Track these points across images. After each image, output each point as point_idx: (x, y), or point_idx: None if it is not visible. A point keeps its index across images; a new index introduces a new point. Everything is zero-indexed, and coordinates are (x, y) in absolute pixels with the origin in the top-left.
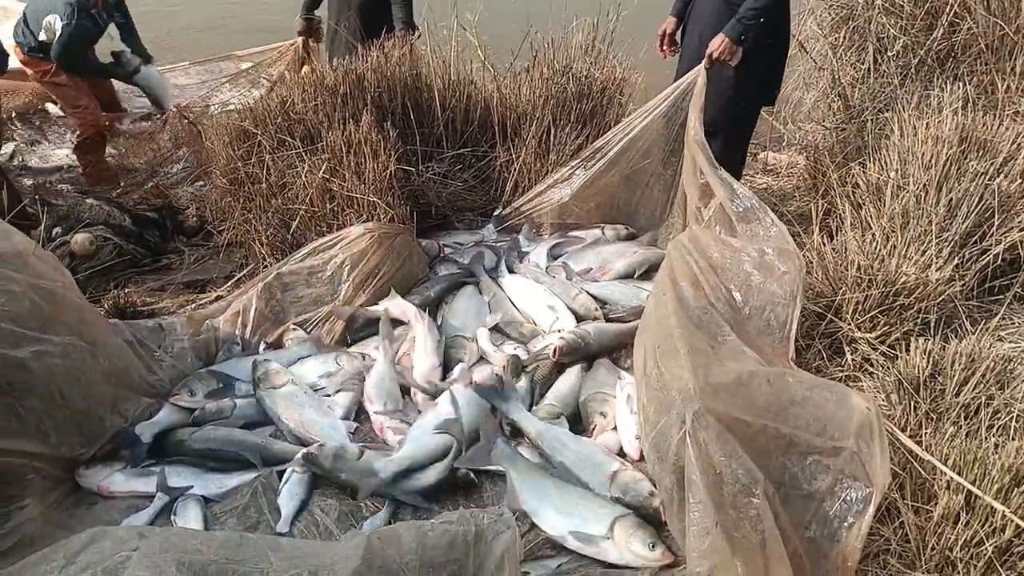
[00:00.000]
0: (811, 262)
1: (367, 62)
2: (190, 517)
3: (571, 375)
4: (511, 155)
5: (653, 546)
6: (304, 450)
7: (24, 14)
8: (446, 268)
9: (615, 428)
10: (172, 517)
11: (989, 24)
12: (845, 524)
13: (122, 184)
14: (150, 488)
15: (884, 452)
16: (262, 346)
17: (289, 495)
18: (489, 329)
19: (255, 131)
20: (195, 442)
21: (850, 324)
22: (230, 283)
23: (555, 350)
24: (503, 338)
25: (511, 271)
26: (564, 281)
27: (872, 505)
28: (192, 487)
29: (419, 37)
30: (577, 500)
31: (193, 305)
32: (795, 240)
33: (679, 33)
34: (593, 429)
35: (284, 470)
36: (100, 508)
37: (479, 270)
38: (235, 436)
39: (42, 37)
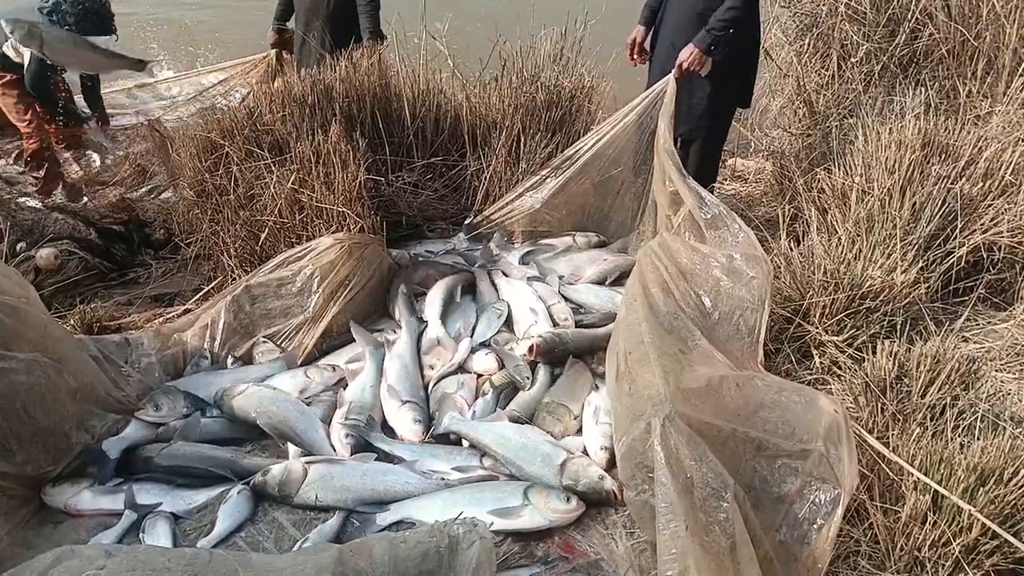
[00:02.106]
0: (779, 267)
1: (335, 72)
2: (159, 534)
3: (538, 386)
4: (481, 164)
5: (568, 499)
6: (252, 480)
7: None
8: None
9: (579, 431)
10: (140, 535)
11: (950, 30)
12: (814, 526)
13: (86, 197)
14: (118, 505)
15: (852, 454)
16: (231, 359)
17: (227, 513)
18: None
19: (222, 142)
20: (164, 459)
21: (818, 328)
22: (198, 296)
23: (532, 347)
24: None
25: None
26: (546, 286)
27: (840, 507)
28: (161, 504)
29: (387, 47)
30: (484, 485)
31: (161, 319)
32: (763, 245)
33: (648, 41)
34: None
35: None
36: (67, 526)
37: (480, 272)
38: (204, 452)
39: (6, 50)
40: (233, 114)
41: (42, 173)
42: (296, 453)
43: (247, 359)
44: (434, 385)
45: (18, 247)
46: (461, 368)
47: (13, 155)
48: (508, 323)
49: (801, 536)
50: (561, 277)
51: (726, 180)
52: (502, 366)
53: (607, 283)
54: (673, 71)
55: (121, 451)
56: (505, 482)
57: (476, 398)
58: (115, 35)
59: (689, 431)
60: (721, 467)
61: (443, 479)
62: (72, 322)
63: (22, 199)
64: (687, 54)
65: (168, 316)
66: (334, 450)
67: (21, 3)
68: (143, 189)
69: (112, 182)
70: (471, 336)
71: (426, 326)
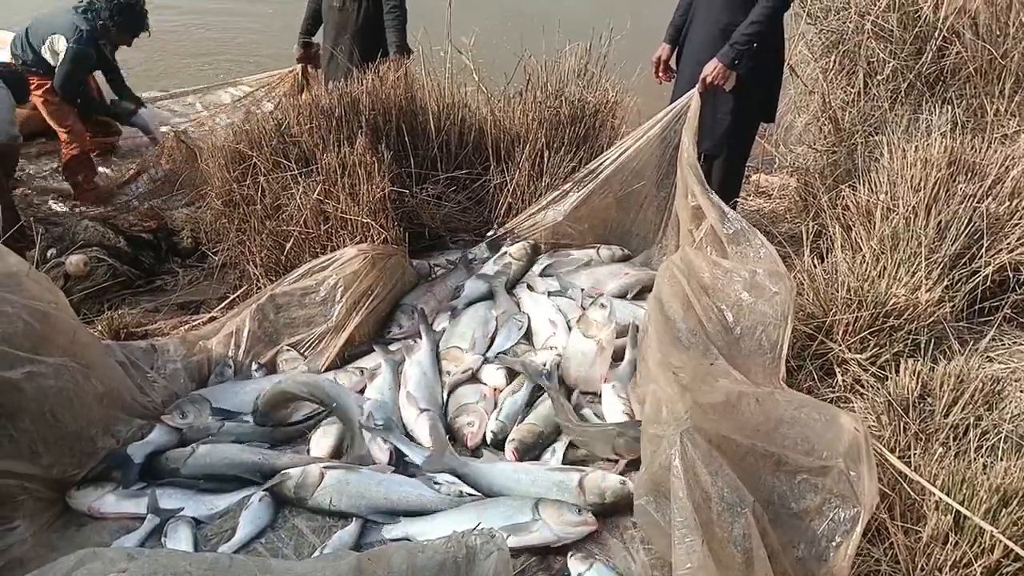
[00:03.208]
0: (802, 283)
1: (362, 85)
2: (180, 539)
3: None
4: (504, 177)
5: (580, 511)
6: (267, 484)
7: (27, 29)
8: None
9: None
10: (163, 539)
11: (978, 48)
12: (833, 544)
13: (116, 205)
14: (141, 509)
15: (872, 472)
16: (255, 367)
17: (248, 519)
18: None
19: (250, 153)
20: (189, 468)
21: (841, 345)
22: (224, 304)
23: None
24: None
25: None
26: (569, 300)
27: (860, 524)
28: (183, 508)
29: (413, 61)
30: (493, 501)
31: (186, 326)
32: (786, 261)
33: (674, 59)
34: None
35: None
36: (90, 529)
37: (499, 282)
38: (233, 457)
39: (44, 54)
40: (261, 125)
41: (80, 179)
42: (326, 447)
43: (271, 367)
44: (450, 393)
45: (48, 253)
46: (475, 377)
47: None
48: (527, 335)
49: (819, 553)
50: (582, 291)
51: (750, 196)
52: (511, 381)
53: (628, 297)
54: (697, 85)
55: (146, 456)
56: (514, 498)
57: (494, 409)
58: (148, 31)
59: (707, 446)
60: (739, 482)
61: (460, 492)
62: (100, 328)
63: (54, 206)
64: (711, 68)
65: (194, 324)
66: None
67: (58, 5)
68: (168, 198)
69: (137, 194)
70: (489, 345)
71: (442, 334)
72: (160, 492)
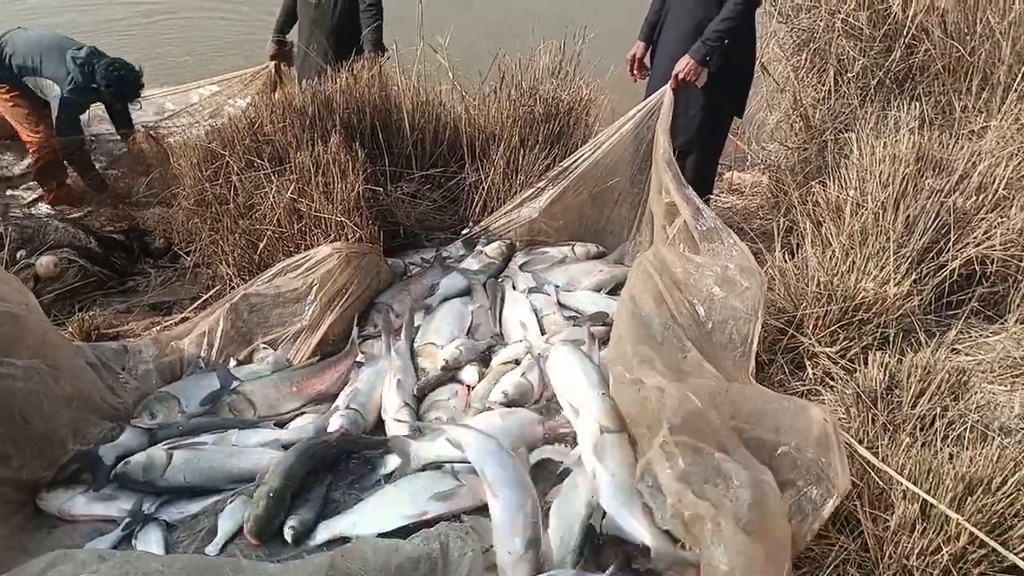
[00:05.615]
0: (773, 278)
1: (336, 83)
2: (151, 542)
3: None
4: (479, 175)
5: None
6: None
7: (3, 39)
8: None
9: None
10: (133, 542)
11: (946, 46)
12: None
13: (88, 206)
14: (111, 512)
15: (843, 460)
16: (232, 362)
17: (229, 514)
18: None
19: (223, 152)
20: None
21: (811, 339)
22: (196, 304)
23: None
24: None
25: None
26: (545, 296)
27: (831, 503)
28: (155, 511)
29: (388, 59)
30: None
31: (159, 327)
32: (758, 257)
33: (648, 57)
34: None
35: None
36: (62, 532)
37: (476, 278)
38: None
39: (28, 83)
40: (234, 124)
41: (54, 184)
42: None
43: (247, 364)
44: (427, 391)
45: (18, 255)
46: (453, 377)
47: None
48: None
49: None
50: (557, 287)
51: (723, 193)
52: (482, 378)
53: (602, 294)
54: (670, 82)
55: (116, 457)
56: (432, 472)
57: (466, 408)
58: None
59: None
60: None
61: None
62: (71, 329)
63: (24, 207)
64: (683, 65)
65: (166, 324)
66: None
67: (44, 35)
68: (140, 196)
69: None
70: (463, 347)
71: (418, 330)
72: (131, 495)
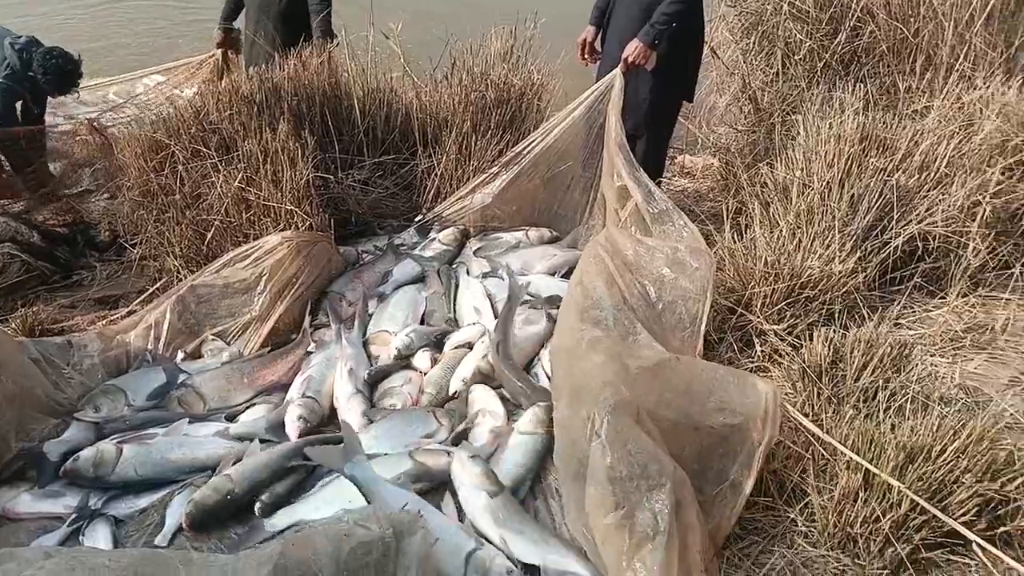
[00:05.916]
0: (722, 259)
1: (284, 70)
2: (99, 538)
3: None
4: (432, 162)
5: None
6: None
7: None
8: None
9: None
10: (80, 538)
11: (890, 28)
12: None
13: (29, 199)
14: (58, 509)
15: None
16: (180, 356)
17: (177, 506)
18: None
19: (168, 142)
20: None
21: (759, 317)
22: (143, 298)
23: None
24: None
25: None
26: (499, 280)
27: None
28: (102, 507)
29: (338, 45)
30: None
31: (105, 321)
32: (708, 239)
33: (599, 41)
34: None
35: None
36: (7, 531)
37: (430, 265)
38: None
39: None
40: (179, 113)
41: None
42: None
43: (196, 356)
44: (380, 378)
45: None
46: (407, 364)
47: None
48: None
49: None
50: (511, 272)
51: (675, 176)
52: (435, 363)
53: (557, 276)
54: (619, 65)
55: (62, 454)
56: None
57: (419, 394)
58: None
59: (629, 421)
60: (659, 453)
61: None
62: (14, 326)
63: None
64: (632, 48)
65: (112, 318)
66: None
67: None
68: (82, 188)
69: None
70: (414, 333)
71: (372, 317)
72: (78, 491)
